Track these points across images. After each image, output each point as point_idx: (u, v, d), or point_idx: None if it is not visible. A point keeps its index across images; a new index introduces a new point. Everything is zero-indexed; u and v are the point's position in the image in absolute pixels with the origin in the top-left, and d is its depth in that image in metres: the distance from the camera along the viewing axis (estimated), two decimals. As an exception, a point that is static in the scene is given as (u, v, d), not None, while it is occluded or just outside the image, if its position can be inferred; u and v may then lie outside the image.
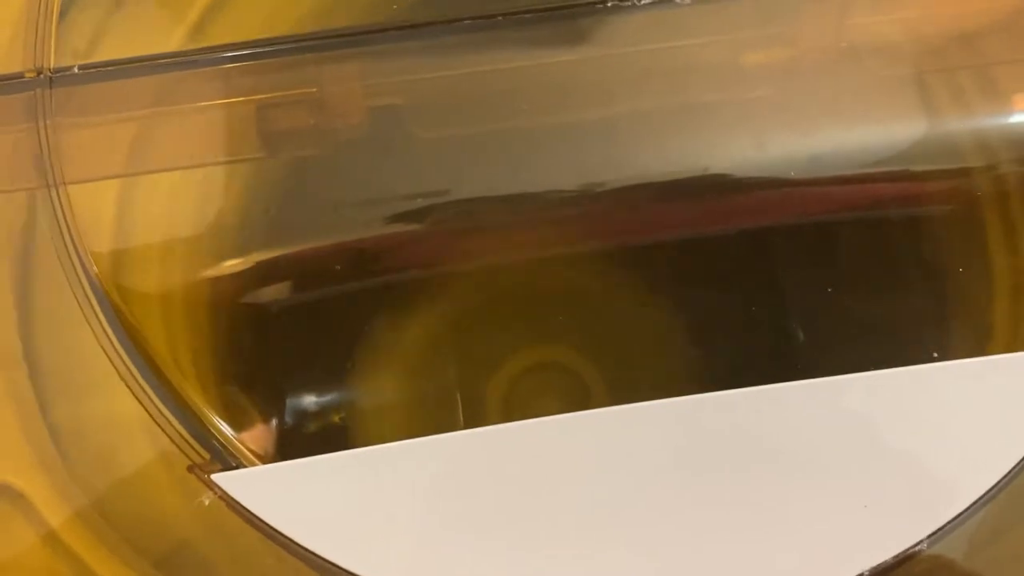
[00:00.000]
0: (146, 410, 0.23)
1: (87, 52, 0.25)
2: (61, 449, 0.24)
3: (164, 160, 0.24)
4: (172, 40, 0.25)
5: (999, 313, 0.25)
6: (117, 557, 0.23)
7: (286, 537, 0.21)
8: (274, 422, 0.25)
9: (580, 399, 0.26)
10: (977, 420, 0.22)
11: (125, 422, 0.23)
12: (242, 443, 0.24)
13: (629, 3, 0.24)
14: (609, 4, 0.24)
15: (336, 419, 0.25)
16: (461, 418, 0.25)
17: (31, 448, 0.24)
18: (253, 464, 0.23)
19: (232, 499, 0.21)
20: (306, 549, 0.21)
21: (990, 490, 0.22)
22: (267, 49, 0.24)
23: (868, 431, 0.22)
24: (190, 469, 0.22)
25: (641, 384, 0.26)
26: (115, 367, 0.23)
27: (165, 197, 0.25)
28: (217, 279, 0.25)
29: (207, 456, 0.23)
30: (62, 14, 0.24)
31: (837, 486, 0.22)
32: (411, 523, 0.22)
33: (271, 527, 0.21)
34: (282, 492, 0.22)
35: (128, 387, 0.23)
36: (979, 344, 0.26)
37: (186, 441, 0.23)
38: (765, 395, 0.22)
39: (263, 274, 0.25)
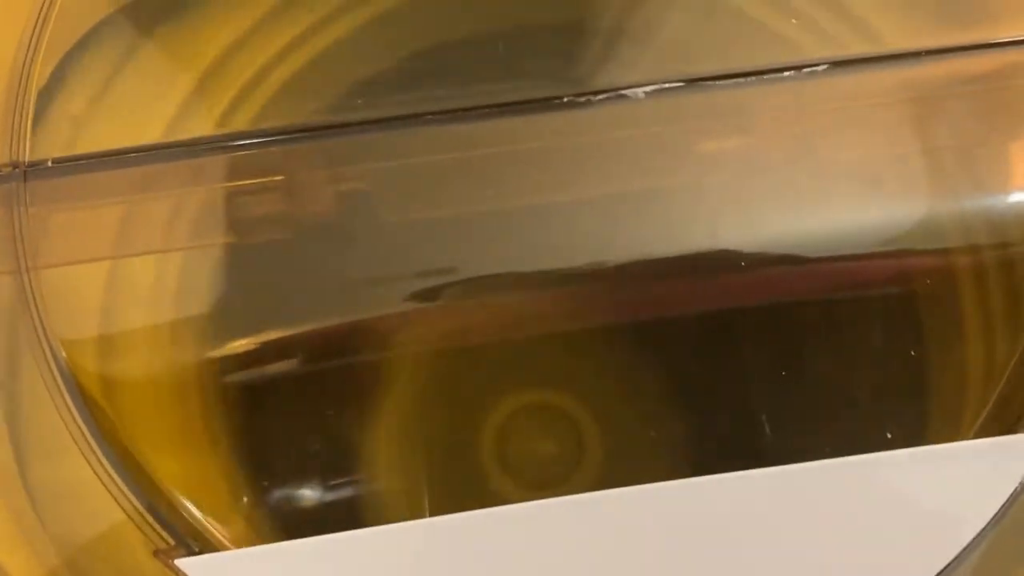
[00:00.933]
0: (111, 494, 0.23)
1: (70, 142, 0.26)
2: (39, 515, 0.24)
3: (134, 246, 0.25)
4: (152, 130, 0.26)
5: (966, 398, 0.26)
6: None
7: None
8: (245, 506, 0.25)
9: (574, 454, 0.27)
10: (938, 501, 0.23)
11: (95, 492, 0.24)
12: (211, 527, 0.24)
13: (584, 99, 0.25)
14: (565, 100, 0.25)
15: (309, 503, 0.26)
16: (427, 505, 0.26)
17: (9, 516, 0.24)
18: (223, 549, 0.24)
19: (196, 586, 0.22)
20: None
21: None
22: (235, 143, 0.25)
23: (847, 513, 0.23)
24: (155, 554, 0.23)
25: (635, 445, 0.27)
26: (82, 451, 0.23)
27: (133, 282, 0.26)
28: (188, 364, 0.26)
29: (171, 541, 0.23)
30: (44, 108, 0.25)
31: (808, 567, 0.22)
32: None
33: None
34: (248, 579, 0.22)
35: (95, 472, 0.23)
36: (936, 427, 0.26)
37: (150, 525, 0.23)
38: (738, 482, 0.22)
39: (235, 358, 0.26)
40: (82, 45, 0.26)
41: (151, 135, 0.26)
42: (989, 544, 0.23)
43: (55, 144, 0.25)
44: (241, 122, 0.27)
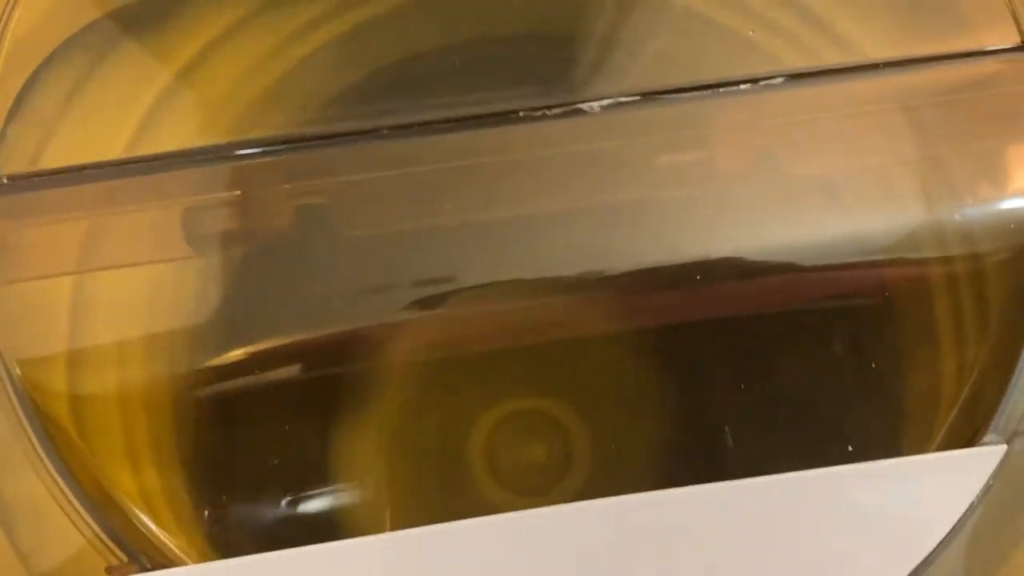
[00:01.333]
0: (63, 511, 0.23)
1: (34, 158, 0.26)
2: (4, 533, 0.24)
3: (92, 263, 0.25)
4: (114, 147, 0.26)
5: (928, 412, 0.26)
6: None
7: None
8: (205, 520, 0.25)
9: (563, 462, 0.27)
10: (897, 514, 0.23)
11: (55, 510, 0.24)
12: (169, 542, 0.24)
13: (540, 113, 0.25)
14: (521, 114, 0.25)
15: (277, 517, 0.26)
16: (390, 517, 0.26)
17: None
18: (180, 563, 0.23)
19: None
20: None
21: None
22: (193, 159, 0.25)
23: (810, 525, 0.23)
24: (107, 571, 0.23)
25: (619, 453, 0.27)
26: (35, 470, 0.23)
27: (91, 299, 0.26)
28: (147, 380, 0.26)
29: (124, 558, 0.23)
30: (8, 123, 0.25)
31: None
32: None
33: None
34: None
35: (49, 491, 0.23)
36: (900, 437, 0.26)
37: (103, 543, 0.23)
38: (708, 495, 0.22)
39: (197, 374, 0.26)
40: (49, 61, 0.26)
41: (117, 150, 0.26)
42: (970, 542, 0.23)
43: (20, 159, 0.25)
44: (207, 139, 0.27)
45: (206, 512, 0.25)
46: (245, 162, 0.25)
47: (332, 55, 0.28)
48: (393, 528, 0.25)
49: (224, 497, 0.26)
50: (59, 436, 0.24)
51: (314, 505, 0.26)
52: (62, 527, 0.23)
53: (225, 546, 0.25)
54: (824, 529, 0.23)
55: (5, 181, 0.25)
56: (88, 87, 0.27)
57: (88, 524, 0.23)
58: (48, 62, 0.26)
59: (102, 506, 0.24)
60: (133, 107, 0.27)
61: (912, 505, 0.23)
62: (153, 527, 0.24)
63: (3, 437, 0.24)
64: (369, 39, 0.28)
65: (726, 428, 0.26)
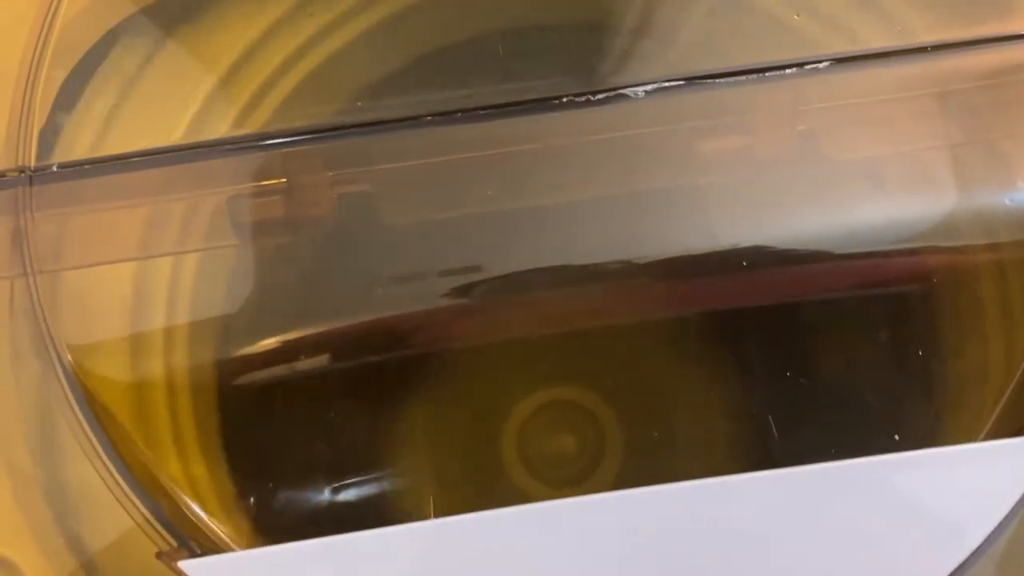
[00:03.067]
0: (114, 496, 0.23)
1: (94, 145, 0.26)
2: (53, 517, 0.24)
3: (141, 250, 0.25)
4: (173, 132, 0.27)
5: (978, 400, 0.26)
6: None
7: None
8: (251, 506, 0.25)
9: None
10: (948, 503, 0.22)
11: (105, 495, 0.24)
12: (216, 527, 0.24)
13: (584, 99, 0.25)
14: (564, 100, 0.25)
15: (312, 503, 0.26)
16: (433, 506, 0.26)
17: (24, 518, 0.24)
18: (228, 549, 0.24)
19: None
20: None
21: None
22: (237, 146, 0.25)
23: (860, 514, 0.22)
24: (158, 556, 0.23)
25: (655, 442, 0.27)
26: (87, 455, 0.24)
27: (140, 286, 0.26)
28: (196, 367, 0.26)
29: (173, 543, 0.23)
30: (64, 111, 0.26)
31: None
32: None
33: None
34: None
35: (100, 476, 0.24)
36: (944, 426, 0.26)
37: (154, 528, 0.23)
38: (751, 483, 0.22)
39: (241, 360, 0.26)
40: (99, 51, 0.27)
41: (171, 138, 0.26)
42: (1011, 542, 0.22)
43: (77, 147, 0.26)
44: (254, 126, 0.27)
45: (252, 499, 0.25)
46: (288, 150, 0.25)
47: (373, 43, 0.28)
48: (437, 514, 0.25)
49: (269, 484, 0.26)
50: (109, 422, 0.24)
51: (357, 492, 0.26)
52: (112, 512, 0.24)
53: (271, 532, 0.25)
54: (872, 519, 0.22)
55: (55, 169, 0.25)
56: (137, 86, 0.27)
57: (138, 509, 0.23)
58: (98, 59, 0.26)
59: (151, 491, 0.24)
60: (183, 105, 0.27)
61: (962, 495, 0.22)
62: (201, 513, 0.24)
63: (54, 422, 0.24)
64: (409, 27, 0.28)
65: (769, 417, 0.26)
